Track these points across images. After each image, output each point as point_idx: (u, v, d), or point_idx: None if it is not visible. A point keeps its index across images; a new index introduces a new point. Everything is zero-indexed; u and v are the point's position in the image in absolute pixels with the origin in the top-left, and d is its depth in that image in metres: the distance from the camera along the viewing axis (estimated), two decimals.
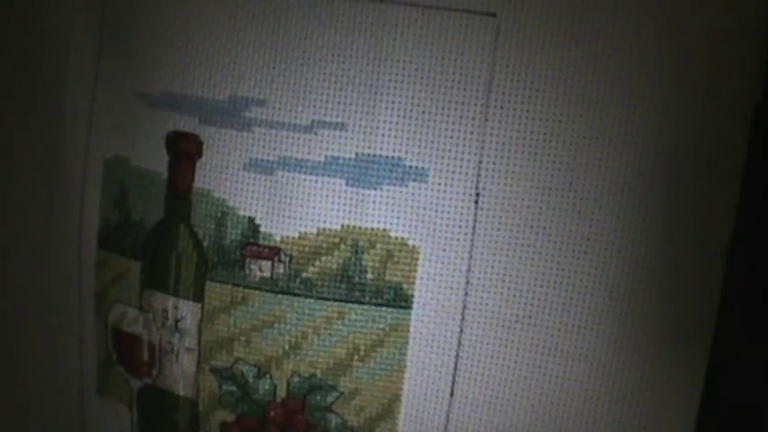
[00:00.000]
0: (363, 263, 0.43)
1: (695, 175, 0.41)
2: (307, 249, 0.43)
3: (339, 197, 0.42)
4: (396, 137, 0.41)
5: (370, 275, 0.43)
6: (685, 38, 0.39)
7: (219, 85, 0.43)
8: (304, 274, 0.43)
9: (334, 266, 0.43)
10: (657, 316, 0.42)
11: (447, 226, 0.42)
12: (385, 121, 0.41)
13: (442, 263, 0.42)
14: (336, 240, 0.43)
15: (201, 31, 0.43)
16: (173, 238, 0.45)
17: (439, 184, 0.42)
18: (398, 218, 0.42)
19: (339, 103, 0.42)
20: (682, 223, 0.41)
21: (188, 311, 0.45)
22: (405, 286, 0.43)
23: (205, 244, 0.44)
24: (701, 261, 0.42)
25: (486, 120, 0.41)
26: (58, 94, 0.47)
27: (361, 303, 0.43)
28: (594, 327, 0.42)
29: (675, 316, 0.42)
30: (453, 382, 0.44)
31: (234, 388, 0.45)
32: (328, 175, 0.42)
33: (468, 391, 0.44)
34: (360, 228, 0.42)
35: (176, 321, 0.45)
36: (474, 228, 0.42)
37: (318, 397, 0.45)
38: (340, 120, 0.42)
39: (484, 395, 0.43)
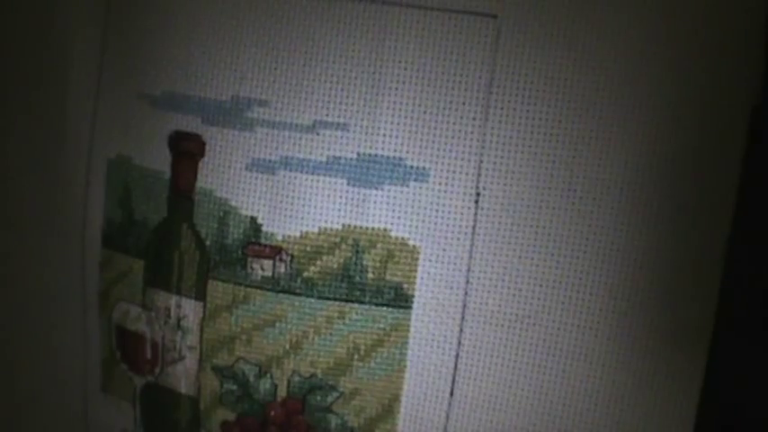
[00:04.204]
0: (364, 262, 0.43)
1: (695, 175, 0.41)
2: (308, 249, 0.43)
3: (340, 197, 0.42)
4: (397, 137, 0.42)
5: (370, 275, 0.43)
6: (684, 39, 0.39)
7: (222, 86, 0.43)
8: (305, 274, 0.43)
9: (335, 266, 0.43)
10: (657, 315, 0.42)
11: (447, 226, 0.42)
12: (386, 122, 0.41)
13: (443, 263, 0.42)
14: (337, 240, 0.43)
15: (204, 32, 0.43)
16: (175, 237, 0.45)
17: (439, 183, 0.42)
18: (399, 218, 0.42)
19: (341, 103, 0.42)
20: (681, 223, 0.41)
21: (190, 310, 0.45)
22: (405, 286, 0.43)
23: (207, 243, 0.44)
24: (700, 261, 0.42)
25: (487, 120, 0.41)
26: (61, 94, 0.47)
27: (362, 303, 0.43)
28: (594, 326, 0.42)
29: (675, 315, 0.42)
30: (453, 381, 0.44)
31: (234, 387, 0.45)
32: (330, 175, 0.42)
33: (467, 391, 0.44)
34: (361, 227, 0.43)
35: (179, 320, 0.45)
36: (474, 227, 0.42)
37: (318, 397, 0.45)
38: (341, 120, 0.42)
39: (484, 395, 0.43)
